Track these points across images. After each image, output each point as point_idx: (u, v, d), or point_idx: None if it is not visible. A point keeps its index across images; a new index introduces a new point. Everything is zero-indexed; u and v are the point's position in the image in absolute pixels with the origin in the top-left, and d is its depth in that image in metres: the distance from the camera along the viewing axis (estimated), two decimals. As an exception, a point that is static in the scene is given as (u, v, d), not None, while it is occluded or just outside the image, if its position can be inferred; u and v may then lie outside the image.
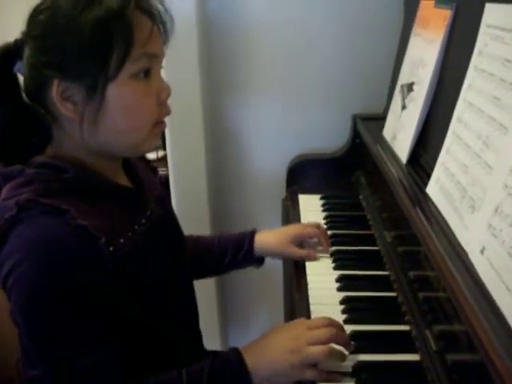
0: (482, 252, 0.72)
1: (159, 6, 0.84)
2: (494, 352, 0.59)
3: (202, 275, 1.20)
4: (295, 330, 0.86)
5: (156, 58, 0.84)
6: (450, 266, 0.75)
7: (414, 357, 0.87)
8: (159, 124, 0.87)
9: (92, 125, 0.80)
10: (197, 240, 1.18)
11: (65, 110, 0.79)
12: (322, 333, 0.85)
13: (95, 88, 0.78)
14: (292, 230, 1.23)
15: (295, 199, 1.52)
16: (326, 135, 1.68)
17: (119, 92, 0.80)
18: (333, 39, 1.61)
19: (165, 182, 1.62)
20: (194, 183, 1.64)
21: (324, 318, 0.89)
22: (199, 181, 1.65)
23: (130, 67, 0.79)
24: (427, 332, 0.87)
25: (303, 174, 1.61)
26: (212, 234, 1.26)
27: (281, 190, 1.64)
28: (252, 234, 1.19)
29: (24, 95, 0.84)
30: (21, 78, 0.83)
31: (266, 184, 1.74)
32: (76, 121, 0.80)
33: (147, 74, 0.83)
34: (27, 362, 0.87)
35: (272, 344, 0.84)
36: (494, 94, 0.79)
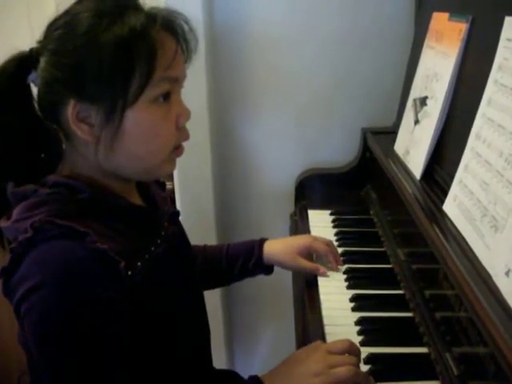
0: (507, 274, 0.70)
1: (184, 25, 0.80)
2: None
3: (211, 285, 1.18)
4: (316, 355, 0.82)
5: (177, 81, 0.81)
6: (474, 288, 0.73)
7: (434, 383, 0.84)
8: (177, 149, 0.83)
9: (108, 148, 0.77)
10: (204, 250, 1.16)
11: (80, 131, 0.76)
12: (345, 369, 0.80)
13: (113, 112, 0.75)
14: (300, 240, 1.21)
15: (304, 214, 1.49)
16: (334, 149, 1.66)
17: (138, 117, 0.76)
18: (342, 52, 1.59)
19: (171, 195, 1.60)
20: (200, 198, 1.62)
21: (344, 342, 0.85)
22: (206, 195, 1.63)
23: (151, 92, 0.76)
24: (447, 355, 0.84)
25: (312, 189, 1.58)
26: (219, 243, 1.23)
27: (289, 205, 1.62)
28: (261, 242, 1.17)
29: (37, 108, 0.80)
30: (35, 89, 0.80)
31: (274, 199, 1.72)
32: (91, 143, 0.77)
33: (167, 97, 0.79)
34: None
35: (294, 371, 0.81)
36: (516, 110, 0.77)
